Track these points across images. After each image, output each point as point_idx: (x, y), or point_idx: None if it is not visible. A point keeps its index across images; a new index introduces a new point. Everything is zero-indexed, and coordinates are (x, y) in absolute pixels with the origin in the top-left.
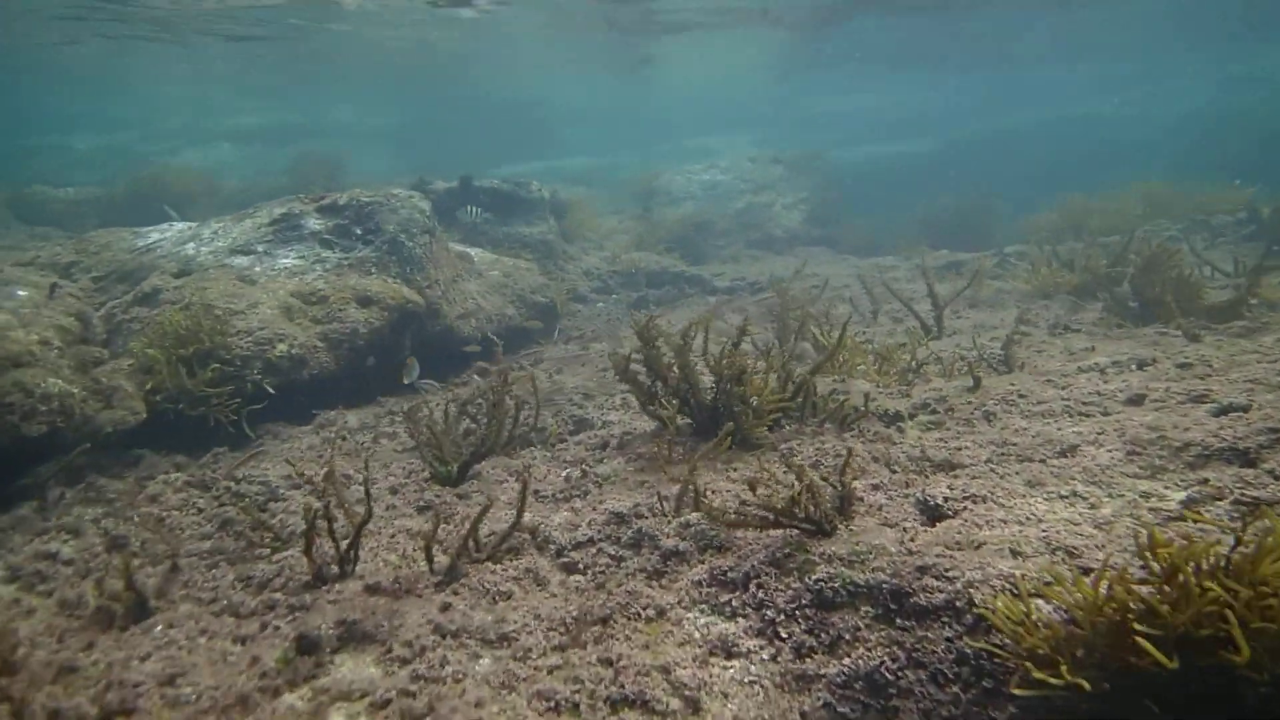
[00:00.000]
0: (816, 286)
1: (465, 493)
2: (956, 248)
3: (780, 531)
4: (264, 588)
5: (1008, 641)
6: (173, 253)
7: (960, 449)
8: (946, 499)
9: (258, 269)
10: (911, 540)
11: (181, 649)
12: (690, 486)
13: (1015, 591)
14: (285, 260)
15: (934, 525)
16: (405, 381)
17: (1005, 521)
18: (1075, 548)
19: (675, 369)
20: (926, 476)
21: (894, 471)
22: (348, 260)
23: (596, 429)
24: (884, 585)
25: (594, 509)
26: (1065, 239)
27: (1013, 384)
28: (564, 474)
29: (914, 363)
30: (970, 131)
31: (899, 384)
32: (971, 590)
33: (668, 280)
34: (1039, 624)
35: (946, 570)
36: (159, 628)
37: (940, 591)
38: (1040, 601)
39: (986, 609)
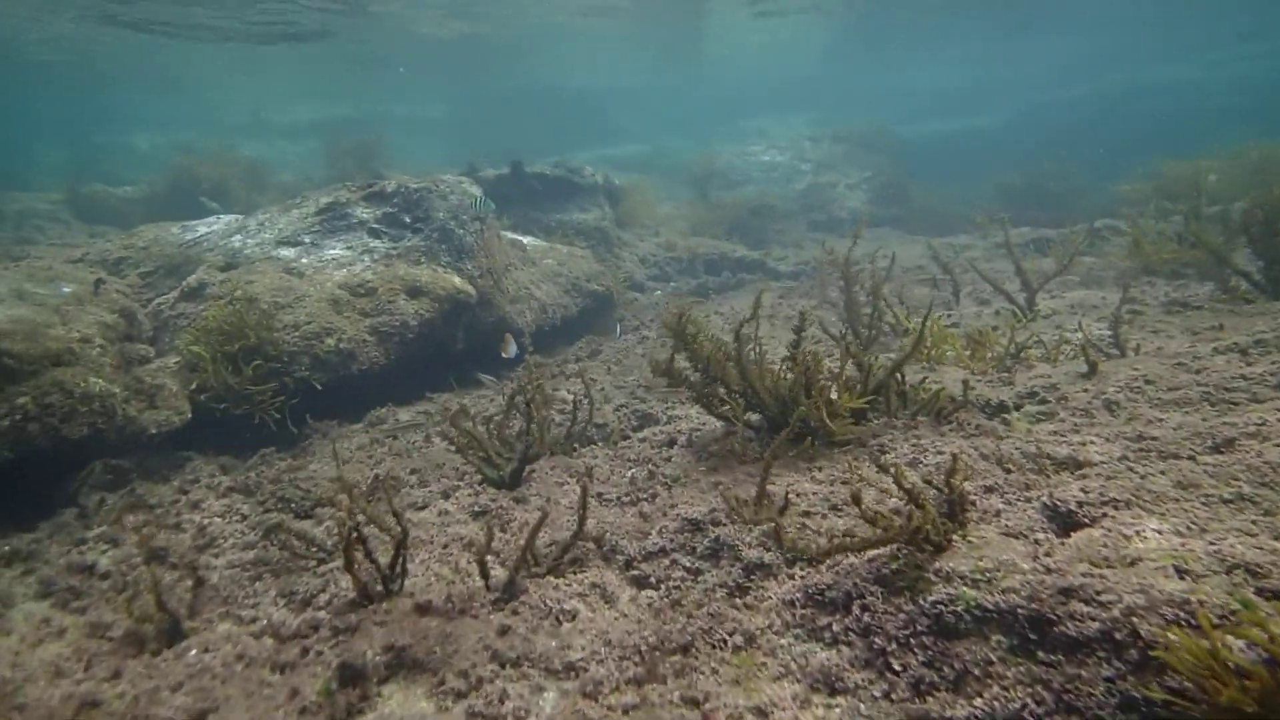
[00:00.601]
0: (885, 268)
1: (522, 496)
2: (1037, 224)
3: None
4: (307, 605)
5: (1189, 685)
6: (219, 245)
7: (1085, 444)
8: (1081, 504)
9: (304, 261)
10: (1047, 555)
11: (215, 678)
12: (771, 519)
13: (1193, 623)
14: (332, 251)
15: (1069, 536)
16: (505, 355)
17: (1160, 532)
18: (1258, 565)
19: (730, 367)
20: (1049, 477)
21: (1009, 471)
22: (396, 250)
23: (662, 425)
24: (1019, 610)
25: (664, 514)
26: (1162, 210)
27: (1135, 369)
28: (629, 474)
29: (1012, 347)
30: (1043, 102)
31: (996, 371)
32: (1134, 619)
33: (727, 266)
34: (1234, 669)
35: (1098, 593)
36: (193, 652)
37: (1093, 620)
38: (1231, 638)
39: (1158, 645)
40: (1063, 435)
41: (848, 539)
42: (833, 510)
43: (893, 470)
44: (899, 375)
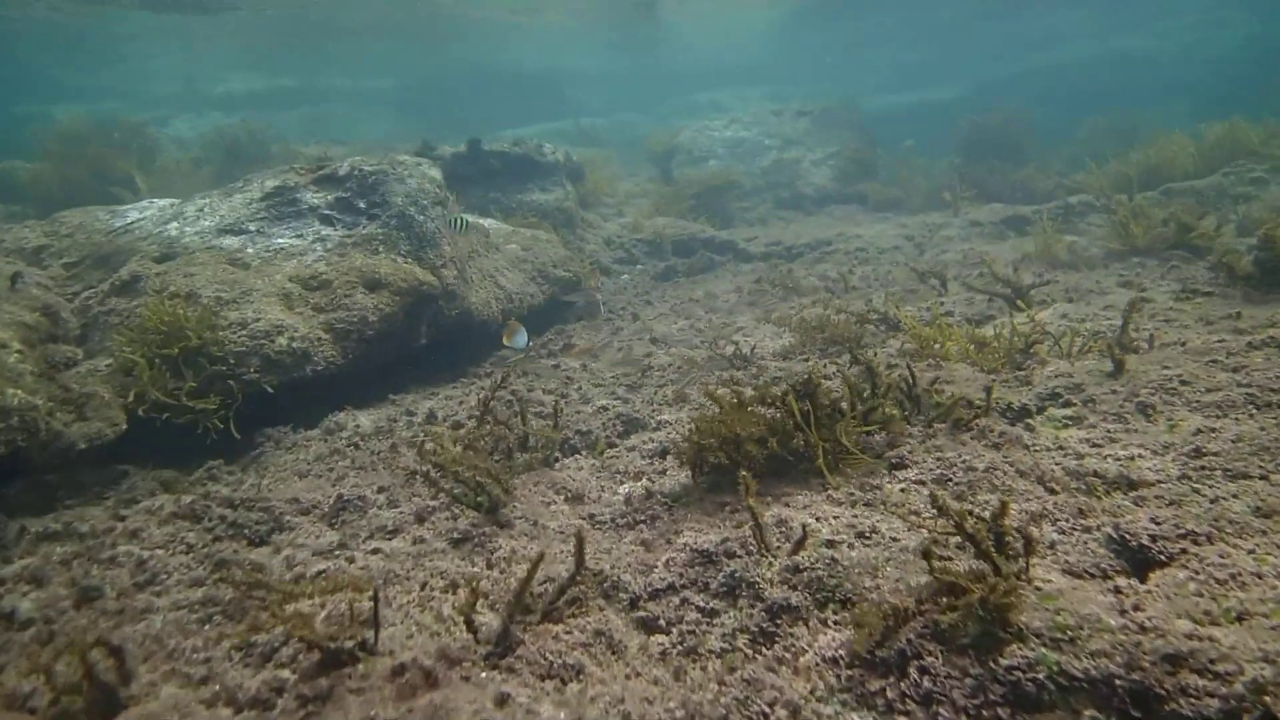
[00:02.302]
0: (863, 249)
1: (506, 519)
2: (1011, 199)
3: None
4: (268, 660)
5: None
6: (154, 234)
7: (1132, 459)
8: (1155, 537)
9: (250, 251)
10: (1135, 607)
11: None
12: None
13: None
14: (281, 240)
15: (1147, 577)
16: (508, 344)
17: (1259, 575)
18: None
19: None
20: (1100, 498)
21: (1053, 492)
22: (351, 238)
23: (650, 430)
24: (1116, 680)
25: (669, 542)
26: (1130, 187)
27: (1166, 367)
28: (623, 492)
29: (1021, 340)
30: (1000, 74)
31: (1008, 368)
32: (1265, 698)
33: (696, 247)
34: None
35: (1211, 661)
36: None
37: (1212, 696)
38: None
39: None
40: (1099, 445)
41: (904, 605)
42: (860, 538)
43: (952, 513)
44: (909, 378)
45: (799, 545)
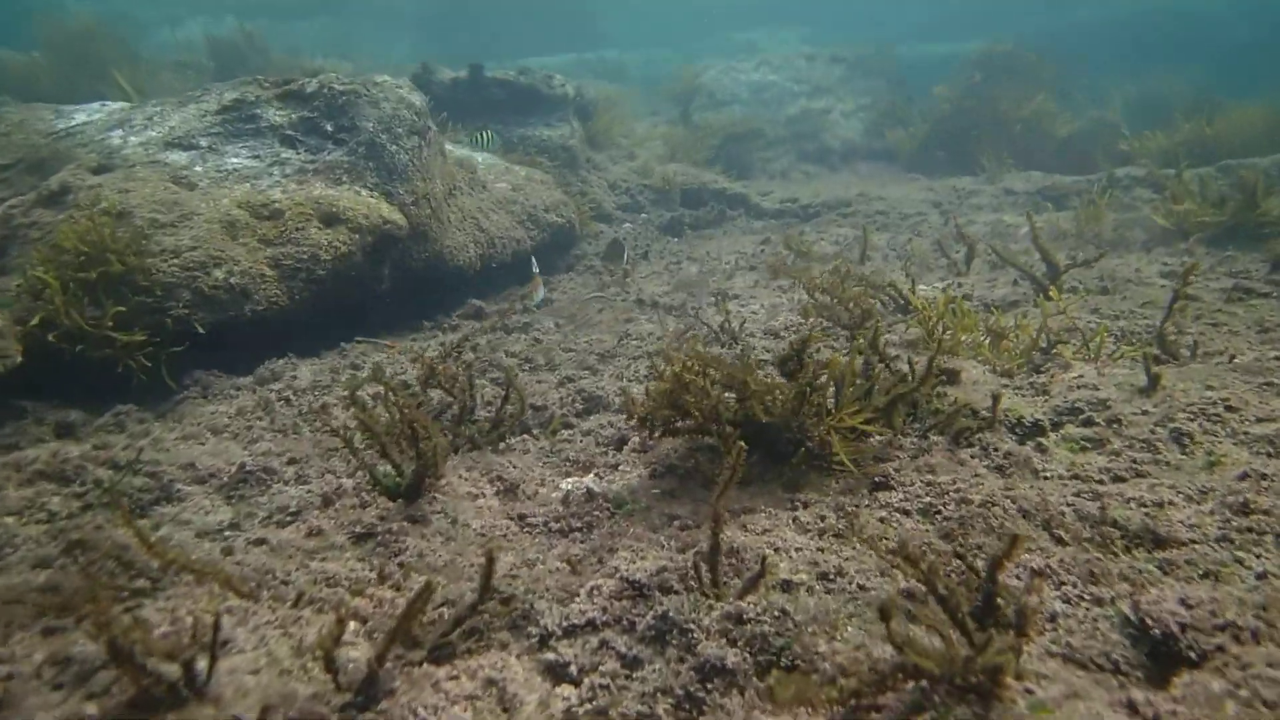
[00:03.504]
0: (884, 213)
1: (422, 514)
2: (1048, 167)
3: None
4: (82, 683)
5: None
6: (95, 141)
7: (1161, 505)
8: (1185, 626)
9: (198, 169)
10: None
11: None
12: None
13: None
14: (235, 160)
15: (1169, 681)
16: (528, 304)
17: None
18: None
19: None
20: (1117, 555)
21: (1061, 541)
22: (314, 164)
23: (612, 412)
24: None
25: (601, 562)
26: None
27: (1209, 386)
28: (564, 488)
29: (1043, 337)
30: (1046, 25)
31: (1025, 370)
32: None
33: (707, 198)
34: None
35: None
36: None
37: None
38: None
39: None
40: (1121, 479)
41: (857, 677)
42: (823, 580)
43: (920, 568)
44: (910, 375)
45: (751, 585)
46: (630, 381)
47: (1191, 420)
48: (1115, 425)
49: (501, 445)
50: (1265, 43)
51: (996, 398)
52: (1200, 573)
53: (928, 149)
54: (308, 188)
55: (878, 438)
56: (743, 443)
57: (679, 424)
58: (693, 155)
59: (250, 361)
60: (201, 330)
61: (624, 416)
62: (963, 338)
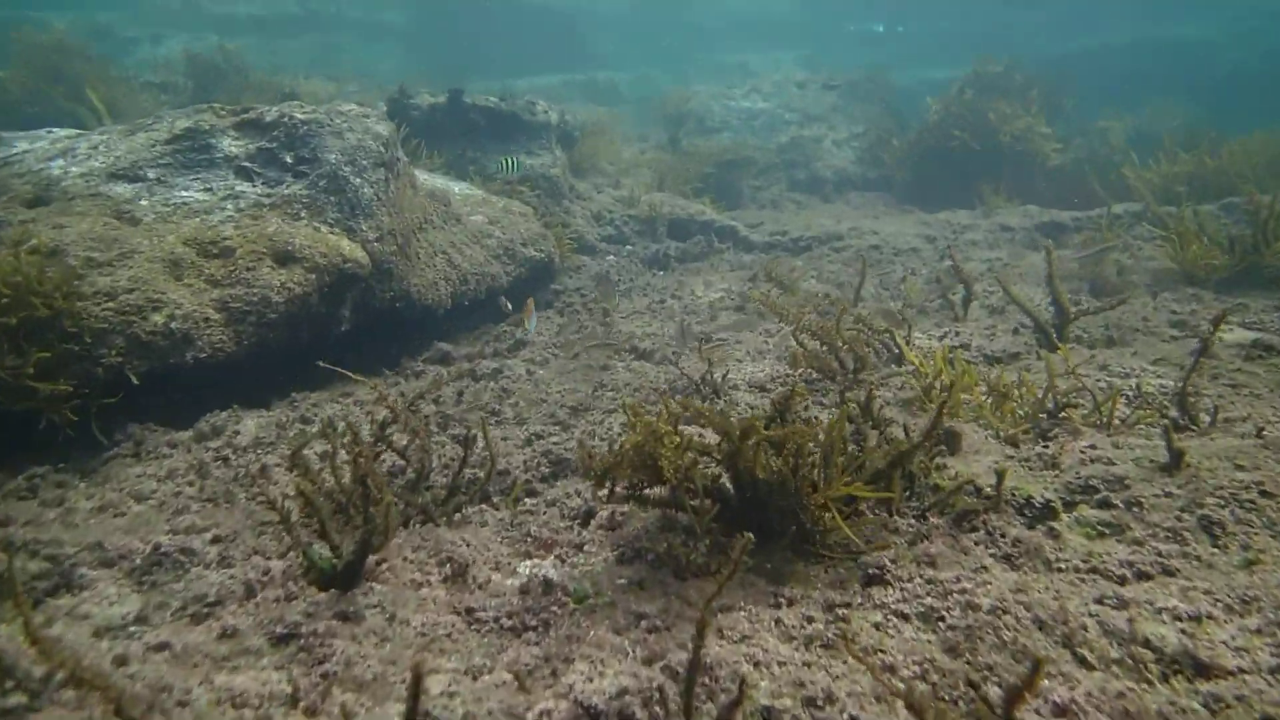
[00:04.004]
0: (877, 248)
1: (355, 609)
2: (1043, 198)
3: None
4: None
5: None
6: (33, 171)
7: (1199, 620)
8: None
9: (144, 203)
10: None
11: None
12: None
13: None
14: (185, 193)
15: None
16: (521, 334)
17: None
18: None
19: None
20: (1153, 685)
21: (1087, 664)
22: (271, 198)
23: (580, 479)
24: None
25: (554, 674)
26: (1190, 196)
27: (1239, 465)
28: (521, 573)
29: (1050, 399)
30: (1043, 53)
31: (1030, 435)
32: None
33: (694, 230)
34: None
35: None
36: None
37: None
38: None
39: None
40: (1147, 577)
41: None
42: (809, 707)
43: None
44: (907, 444)
45: (728, 713)
46: (601, 440)
47: (1222, 507)
48: (1135, 509)
49: (457, 516)
50: (1258, 72)
51: (1001, 475)
52: (1256, 718)
53: (920, 175)
54: (263, 223)
55: (871, 517)
56: (714, 522)
57: (646, 491)
58: (680, 184)
59: (193, 412)
60: (136, 381)
61: (587, 479)
62: (962, 396)
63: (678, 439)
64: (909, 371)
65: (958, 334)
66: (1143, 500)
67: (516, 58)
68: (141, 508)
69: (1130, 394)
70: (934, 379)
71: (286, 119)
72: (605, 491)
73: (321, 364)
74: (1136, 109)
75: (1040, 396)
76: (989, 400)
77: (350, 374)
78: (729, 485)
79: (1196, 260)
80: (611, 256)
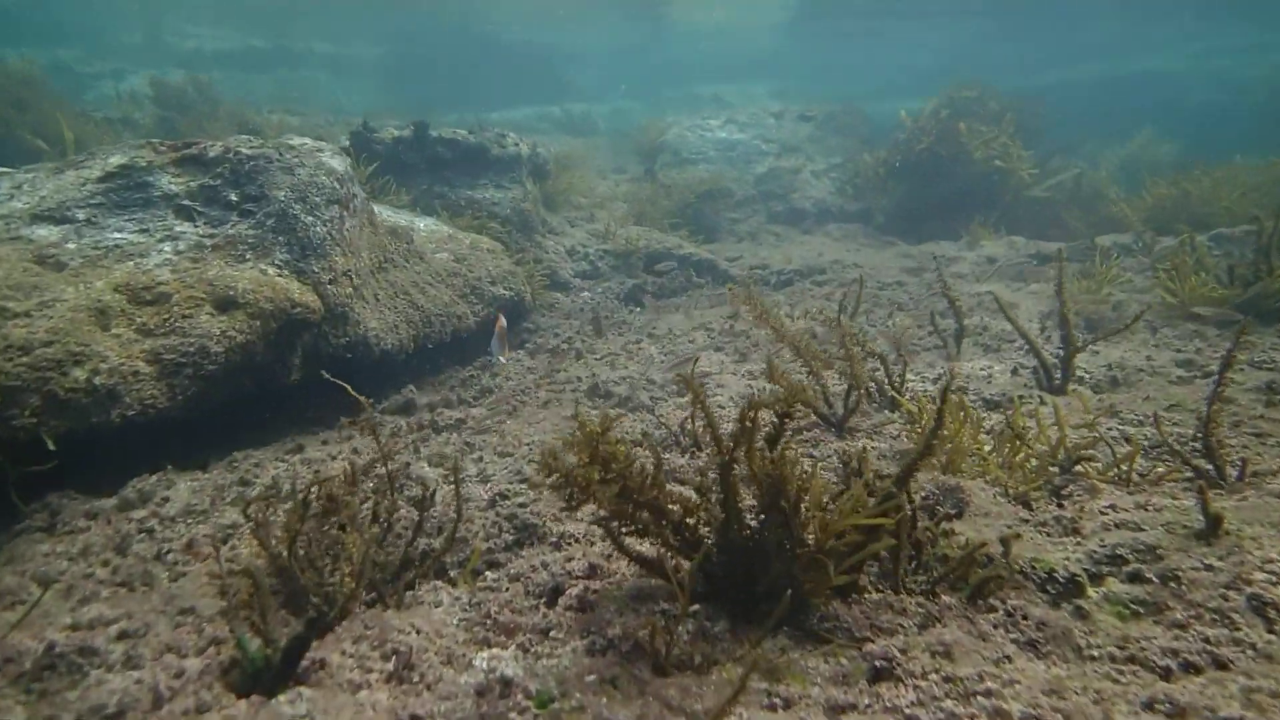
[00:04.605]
0: (860, 280)
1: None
2: (1023, 226)
3: None
4: None
5: None
6: None
7: None
8: None
9: (70, 246)
10: None
11: None
12: None
13: None
14: (118, 235)
15: None
16: (490, 361)
17: None
18: None
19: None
20: None
21: None
22: (214, 239)
23: (548, 546)
24: None
25: None
26: (1173, 228)
27: (1277, 524)
28: (477, 667)
29: (1062, 452)
30: (1018, 85)
31: (1044, 493)
32: None
33: (671, 264)
34: None
35: None
36: None
37: None
38: None
39: None
40: (1196, 665)
41: None
42: None
43: None
44: (908, 507)
45: None
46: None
47: (1275, 584)
48: (1172, 584)
49: (409, 595)
50: (1227, 105)
51: (1007, 541)
52: None
53: (901, 206)
54: (203, 267)
55: (874, 593)
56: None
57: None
58: (657, 217)
59: (122, 475)
60: (51, 445)
61: (560, 575)
62: (965, 447)
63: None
64: (902, 417)
65: (952, 375)
66: (1180, 574)
67: (492, 92)
68: (44, 594)
69: (1147, 443)
70: (931, 427)
71: (232, 154)
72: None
73: (235, 454)
74: (1112, 140)
75: (1052, 446)
76: (996, 460)
77: (350, 390)
78: (711, 541)
79: (1195, 294)
80: (586, 293)
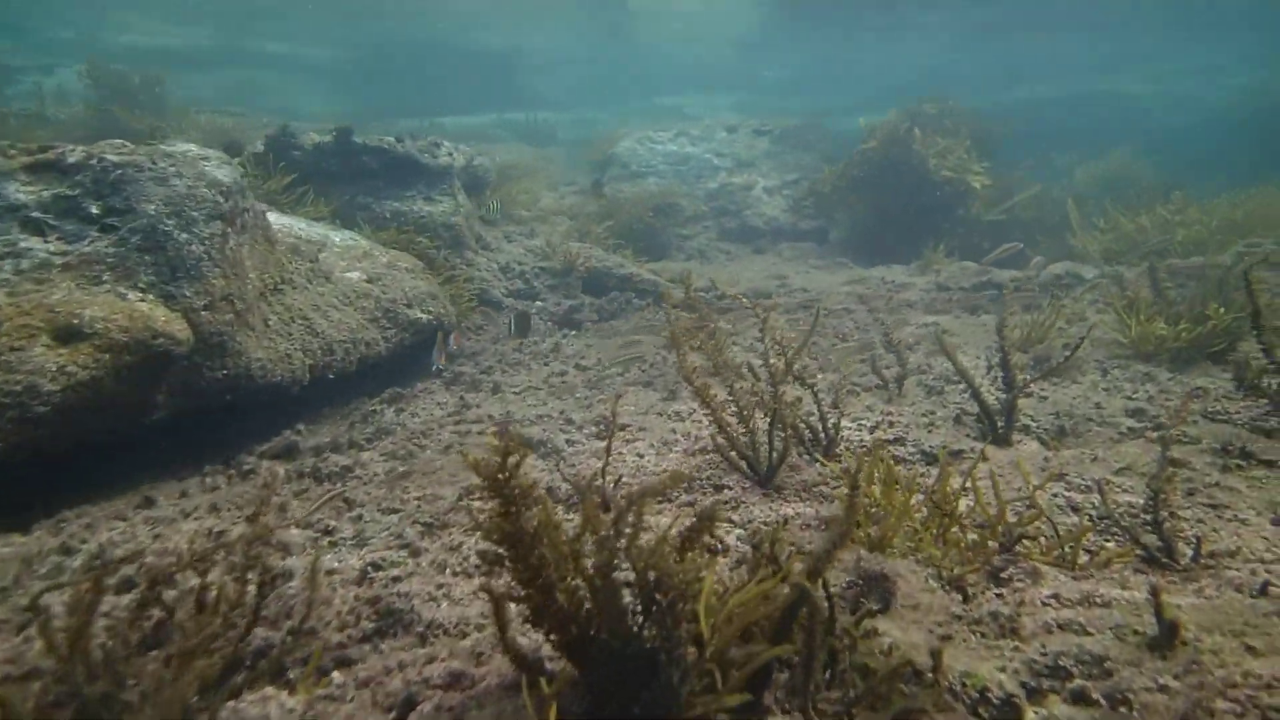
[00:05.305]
0: (807, 306)
1: None
2: (978, 249)
3: None
4: None
5: None
6: None
7: None
8: None
9: None
10: None
11: None
12: None
13: None
14: None
15: None
16: (434, 369)
17: None
18: None
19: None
20: None
21: None
22: (66, 257)
23: (411, 639)
24: None
25: None
26: (1124, 257)
27: (1249, 645)
28: None
29: (1003, 528)
30: (977, 105)
31: (981, 576)
32: None
33: (613, 284)
34: None
35: None
36: None
37: None
38: None
39: None
40: None
41: None
42: None
43: None
44: (818, 608)
45: None
46: (457, 574)
47: (1240, 714)
48: (1123, 708)
49: (229, 708)
50: (1186, 127)
51: (937, 653)
52: None
53: (854, 225)
54: (47, 290)
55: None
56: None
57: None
58: (601, 233)
59: None
60: None
61: (416, 684)
62: (895, 518)
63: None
64: (832, 470)
65: (892, 423)
66: (1130, 696)
67: (453, 97)
68: None
69: (1094, 512)
70: (846, 516)
71: (95, 161)
72: None
73: (66, 513)
74: (1072, 160)
75: (992, 519)
76: (930, 533)
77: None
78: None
79: (1146, 334)
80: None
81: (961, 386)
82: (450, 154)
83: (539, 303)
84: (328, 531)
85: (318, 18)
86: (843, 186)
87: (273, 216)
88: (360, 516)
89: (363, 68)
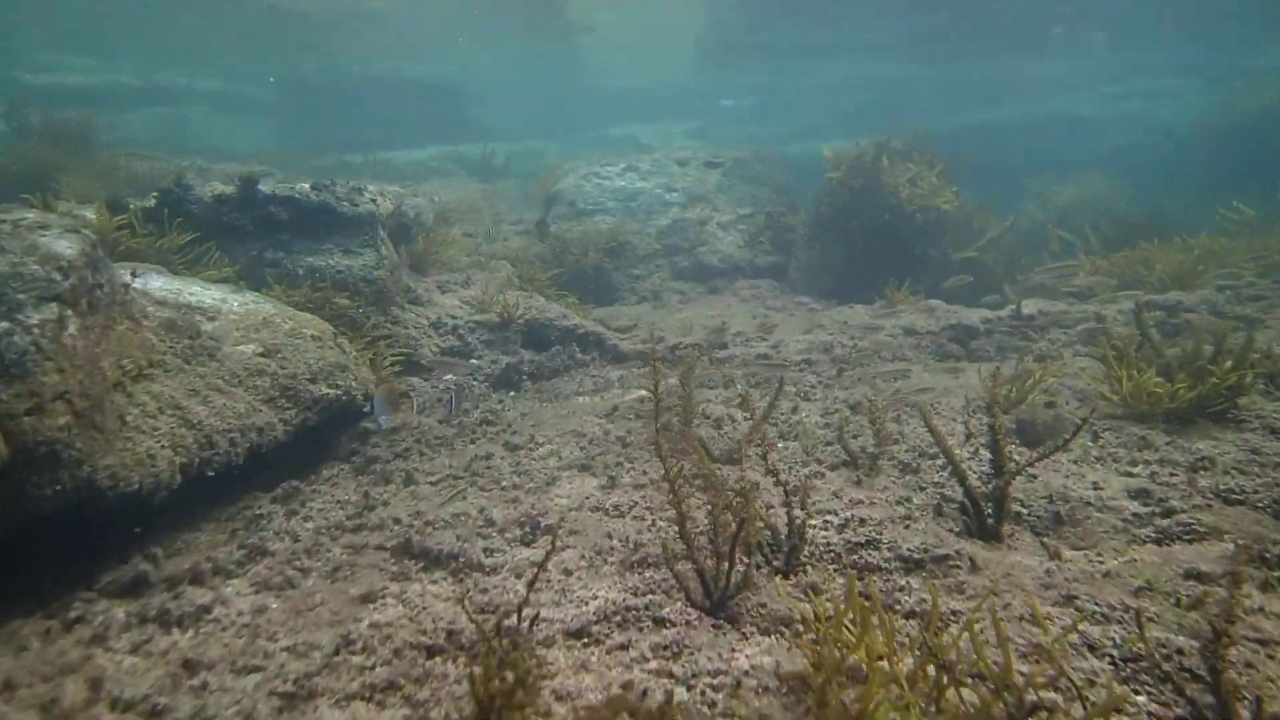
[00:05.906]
0: (765, 356)
1: None
2: (951, 298)
3: None
4: None
5: None
6: None
7: None
8: None
9: None
10: None
11: None
12: None
13: None
14: None
15: None
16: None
17: None
18: None
19: None
20: None
21: None
22: None
23: None
24: None
25: None
26: (1101, 290)
27: None
28: None
29: (1011, 697)
30: (937, 128)
31: None
32: None
33: (556, 337)
34: None
35: None
36: None
37: None
38: None
39: None
40: None
41: None
42: None
43: None
44: None
45: None
46: (356, 700)
47: None
48: None
49: None
50: (1143, 146)
51: None
52: None
53: (815, 262)
54: None
55: None
56: None
57: None
58: (544, 279)
59: None
60: None
61: None
62: (877, 691)
63: None
64: (803, 616)
65: (863, 520)
66: None
67: (399, 131)
68: None
69: (1114, 650)
70: (834, 646)
71: None
72: None
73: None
74: (1053, 180)
75: (997, 676)
76: (916, 680)
77: None
78: None
79: (1139, 390)
80: (450, 375)
81: (940, 462)
82: (374, 200)
83: (474, 360)
84: (155, 715)
85: (253, 53)
86: (808, 221)
87: (160, 281)
88: (204, 683)
89: (304, 102)
